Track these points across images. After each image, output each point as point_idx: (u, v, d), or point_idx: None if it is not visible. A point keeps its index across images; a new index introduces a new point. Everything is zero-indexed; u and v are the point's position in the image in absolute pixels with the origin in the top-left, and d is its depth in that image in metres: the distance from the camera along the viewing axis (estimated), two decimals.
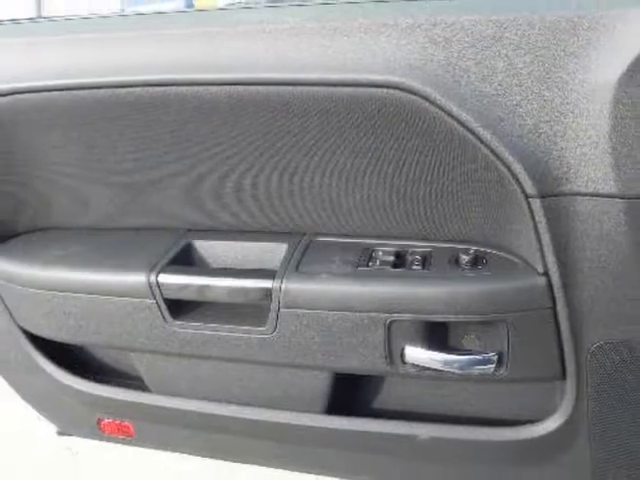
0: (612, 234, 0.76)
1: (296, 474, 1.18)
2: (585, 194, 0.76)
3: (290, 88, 0.82)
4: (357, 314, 0.89)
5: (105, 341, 1.07)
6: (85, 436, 1.29)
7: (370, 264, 0.92)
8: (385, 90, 0.78)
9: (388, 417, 1.02)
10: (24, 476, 1.88)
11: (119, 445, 1.26)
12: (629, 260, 0.77)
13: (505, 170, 0.77)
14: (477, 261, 0.88)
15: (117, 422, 1.20)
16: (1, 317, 1.13)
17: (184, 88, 0.86)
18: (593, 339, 0.83)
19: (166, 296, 0.97)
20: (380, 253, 0.93)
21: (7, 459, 1.94)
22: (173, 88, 0.86)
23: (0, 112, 0.94)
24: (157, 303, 0.98)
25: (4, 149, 0.99)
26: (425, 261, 0.91)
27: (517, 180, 0.77)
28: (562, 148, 0.76)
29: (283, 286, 0.91)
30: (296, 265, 0.93)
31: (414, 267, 0.90)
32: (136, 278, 0.97)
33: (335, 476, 1.17)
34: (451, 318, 0.87)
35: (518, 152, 0.76)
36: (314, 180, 0.92)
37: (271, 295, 0.92)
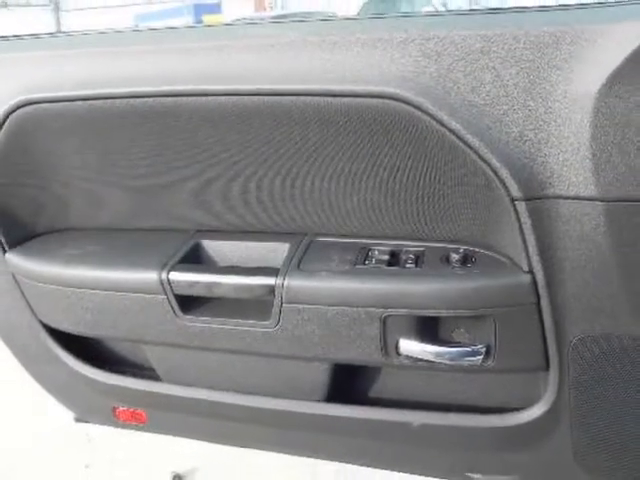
0: (592, 235, 0.76)
1: (297, 458, 1.18)
2: (567, 197, 0.76)
3: (292, 98, 0.82)
4: (354, 309, 0.89)
5: (120, 334, 1.07)
6: (101, 423, 1.28)
7: (367, 262, 0.92)
8: (381, 100, 0.78)
9: (384, 405, 1.02)
10: (44, 459, 1.88)
11: (132, 431, 1.26)
12: (608, 259, 0.77)
13: (492, 175, 0.77)
14: (466, 260, 0.88)
15: (131, 410, 1.20)
16: (23, 312, 1.13)
17: (193, 98, 0.86)
18: (575, 333, 0.83)
19: (176, 292, 0.97)
20: (376, 252, 0.93)
21: (28, 444, 1.95)
22: (183, 98, 0.87)
23: (23, 121, 0.94)
24: (168, 299, 0.98)
25: (27, 155, 0.99)
26: (418, 260, 0.91)
27: (504, 184, 0.77)
28: (546, 154, 0.76)
29: (285, 283, 0.91)
30: (297, 263, 0.93)
31: (408, 265, 0.90)
32: (148, 276, 0.97)
33: (334, 460, 1.17)
34: (442, 313, 0.87)
35: (504, 158, 0.76)
36: (314, 184, 0.92)
37: (274, 291, 0.92)
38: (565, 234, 0.77)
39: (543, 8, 0.86)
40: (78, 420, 1.31)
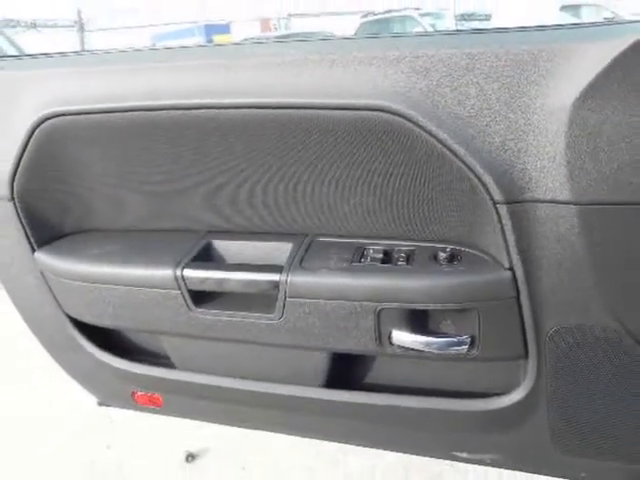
0: (567, 235, 0.76)
1: (298, 438, 1.18)
2: (544, 201, 0.76)
3: (295, 111, 0.82)
4: (351, 303, 0.89)
5: (138, 326, 1.07)
6: (121, 406, 1.29)
7: (362, 260, 0.92)
8: (375, 112, 0.78)
9: (378, 390, 1.02)
10: (70, 439, 1.88)
11: (150, 414, 1.26)
12: (581, 257, 0.77)
13: (476, 180, 0.77)
14: (453, 258, 0.88)
15: (148, 394, 1.20)
16: (50, 306, 1.13)
17: (205, 111, 0.86)
18: (551, 324, 0.83)
19: (190, 287, 0.97)
20: (371, 251, 0.93)
21: (56, 426, 1.95)
22: (195, 111, 0.87)
23: (51, 131, 0.94)
24: (182, 294, 0.98)
25: (55, 163, 0.99)
26: (409, 258, 0.91)
27: (487, 189, 0.77)
28: (525, 162, 0.76)
29: (289, 279, 0.91)
30: (300, 261, 0.93)
31: (399, 263, 0.90)
32: (164, 272, 0.97)
33: (333, 440, 1.17)
34: (431, 306, 0.87)
35: (487, 165, 0.76)
36: (315, 189, 0.92)
37: (278, 287, 0.92)
38: (542, 234, 0.77)
39: (522, 29, 0.86)
40: (100, 404, 1.31)
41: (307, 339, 0.95)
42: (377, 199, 0.90)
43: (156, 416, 1.28)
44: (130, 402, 1.23)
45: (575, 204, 0.74)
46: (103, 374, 1.19)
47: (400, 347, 0.91)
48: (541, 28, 0.84)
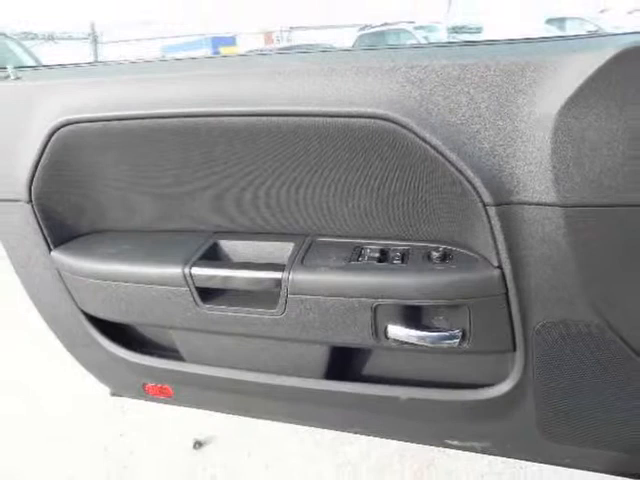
0: (553, 235, 0.76)
1: (299, 427, 1.18)
2: (531, 203, 0.76)
3: (296, 118, 0.82)
4: (349, 299, 0.89)
5: (149, 321, 1.07)
6: (133, 397, 1.29)
7: (360, 259, 0.92)
8: (372, 120, 0.78)
9: (375, 382, 1.02)
10: (85, 428, 1.88)
11: (160, 404, 1.26)
12: (566, 256, 0.77)
13: (467, 184, 0.77)
14: (445, 257, 0.88)
15: (159, 386, 1.20)
16: (66, 302, 1.13)
17: (211, 119, 0.86)
18: (537, 319, 0.83)
19: (197, 285, 0.97)
20: (368, 250, 0.93)
21: (72, 415, 1.95)
22: (203, 119, 0.87)
23: (66, 138, 0.94)
24: (190, 290, 0.98)
25: (70, 167, 0.99)
26: (404, 257, 0.91)
27: (477, 192, 0.77)
28: (513, 166, 0.76)
29: (290, 277, 0.91)
30: (301, 260, 0.93)
31: (395, 262, 0.90)
32: (173, 270, 0.97)
33: (332, 429, 1.17)
34: (424, 302, 0.87)
35: (478, 169, 0.76)
36: (315, 192, 0.92)
37: (281, 284, 0.92)
38: (529, 235, 0.78)
39: (511, 41, 0.86)
40: (113, 394, 1.31)
41: (308, 333, 0.95)
42: (374, 202, 0.90)
43: (166, 406, 1.28)
44: (141, 393, 1.23)
45: (560, 206, 0.74)
46: (116, 367, 1.19)
47: (395, 341, 0.91)
48: (528, 40, 0.84)
